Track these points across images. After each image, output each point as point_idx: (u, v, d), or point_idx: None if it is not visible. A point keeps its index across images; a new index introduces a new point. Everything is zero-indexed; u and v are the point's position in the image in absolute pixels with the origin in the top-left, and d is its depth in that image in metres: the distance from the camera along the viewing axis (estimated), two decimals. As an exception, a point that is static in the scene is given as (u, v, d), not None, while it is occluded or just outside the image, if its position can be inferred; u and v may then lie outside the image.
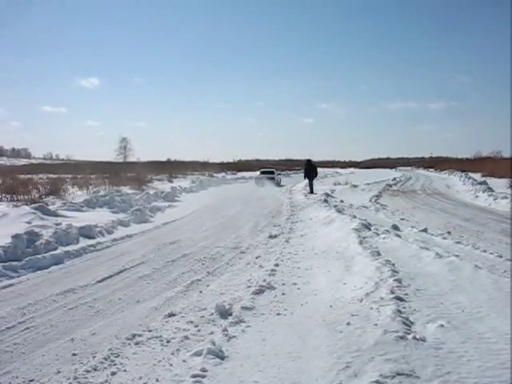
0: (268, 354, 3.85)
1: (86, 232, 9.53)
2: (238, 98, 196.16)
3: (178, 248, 8.69)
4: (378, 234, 8.36)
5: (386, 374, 3.11)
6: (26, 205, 12.55)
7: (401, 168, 75.26)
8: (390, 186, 27.74)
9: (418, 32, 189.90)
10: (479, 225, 11.42)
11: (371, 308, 4.45)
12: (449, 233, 9.69)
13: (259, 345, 4.05)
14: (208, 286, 6.09)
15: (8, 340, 4.33)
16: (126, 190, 20.59)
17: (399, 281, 5.22)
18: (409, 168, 74.26)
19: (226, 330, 4.32)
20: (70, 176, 24.15)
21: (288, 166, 67.95)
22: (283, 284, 5.94)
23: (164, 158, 63.27)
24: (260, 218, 12.91)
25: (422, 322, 4.05)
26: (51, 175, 24.00)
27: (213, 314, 4.90)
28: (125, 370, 3.68)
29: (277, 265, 6.93)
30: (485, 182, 21.92)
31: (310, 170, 21.51)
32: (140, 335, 4.39)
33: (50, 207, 12.21)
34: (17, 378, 3.61)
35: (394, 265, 5.93)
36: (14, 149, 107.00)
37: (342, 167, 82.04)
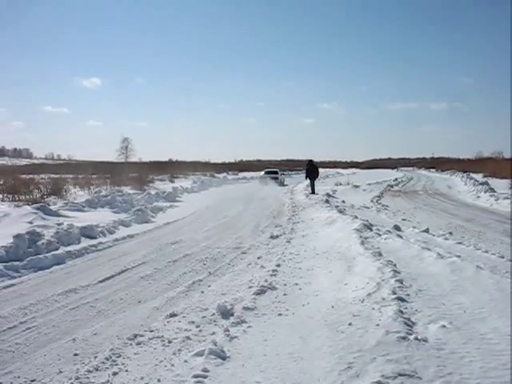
0: (270, 354, 3.85)
1: (88, 232, 9.54)
2: (239, 98, 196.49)
3: (180, 248, 8.69)
4: (379, 235, 8.35)
5: (388, 374, 3.10)
6: (28, 205, 12.57)
7: (402, 168, 75.16)
8: (392, 186, 27.73)
9: (418, 32, 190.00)
10: (481, 225, 11.41)
11: (373, 308, 4.45)
12: (450, 233, 9.68)
13: (261, 345, 4.05)
14: (209, 286, 6.09)
15: (10, 340, 4.33)
16: (127, 190, 20.62)
17: (401, 281, 5.21)
18: (410, 168, 74.17)
19: (228, 331, 4.32)
20: (71, 176, 24.17)
21: (289, 166, 68.00)
22: (285, 284, 5.94)
23: (165, 158, 63.31)
24: (261, 218, 12.91)
25: (423, 323, 4.04)
26: (53, 175, 24.02)
27: (214, 314, 4.90)
28: (126, 370, 3.68)
29: (278, 265, 6.93)
30: (486, 183, 21.88)
31: (311, 170, 21.51)
32: (142, 335, 4.39)
33: (52, 207, 12.23)
34: (18, 377, 3.61)
35: (395, 265, 5.92)
36: (15, 149, 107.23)
37: (343, 168, 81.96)
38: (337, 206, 13.54)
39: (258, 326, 4.51)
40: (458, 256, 6.40)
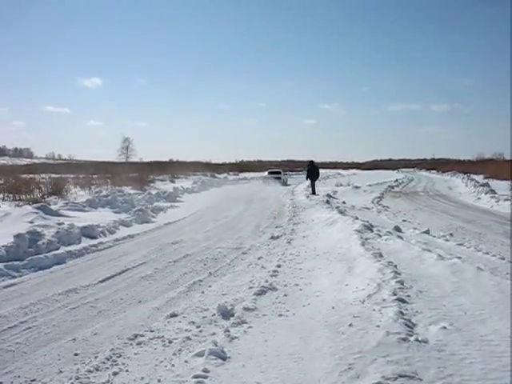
0: (270, 354, 3.84)
1: (88, 232, 9.54)
2: (240, 98, 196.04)
3: (180, 248, 8.70)
4: (380, 236, 8.35)
5: (388, 375, 3.10)
6: (29, 204, 12.59)
7: (403, 170, 75.11)
8: (392, 187, 27.72)
9: (419, 33, 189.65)
10: (481, 227, 11.40)
11: (373, 309, 4.44)
12: (451, 235, 9.67)
13: (261, 346, 4.05)
14: (210, 286, 6.09)
15: (10, 339, 4.34)
16: (128, 190, 20.64)
17: (401, 282, 5.21)
18: (411, 170, 74.14)
19: (228, 331, 4.32)
20: (72, 176, 24.20)
21: (290, 166, 67.89)
22: (285, 285, 5.93)
23: (166, 159, 63.34)
24: (262, 218, 12.91)
25: (424, 324, 4.03)
26: (53, 175, 24.01)
27: (215, 314, 4.90)
28: (127, 371, 3.68)
29: (279, 266, 6.93)
30: (487, 184, 21.88)
31: (312, 171, 21.51)
32: (142, 335, 4.39)
33: (52, 207, 12.24)
34: (19, 377, 3.62)
35: (396, 266, 5.91)
36: (16, 148, 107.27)
37: (344, 168, 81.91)
38: (337, 207, 13.53)
39: (259, 327, 4.51)
40: (459, 257, 6.39)
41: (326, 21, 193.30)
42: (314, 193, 20.48)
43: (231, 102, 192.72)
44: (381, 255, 6.60)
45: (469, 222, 12.36)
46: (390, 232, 8.93)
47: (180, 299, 5.58)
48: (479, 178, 30.32)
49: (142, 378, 3.52)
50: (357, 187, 25.16)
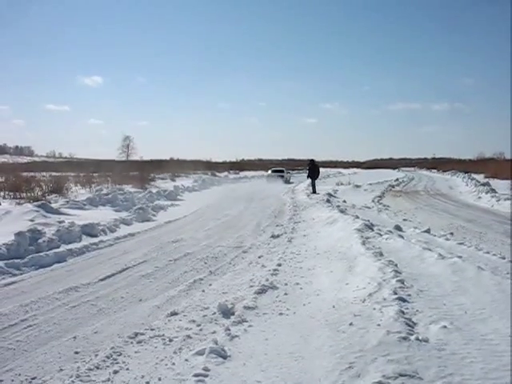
0: (270, 353, 3.85)
1: (89, 230, 9.54)
2: (240, 97, 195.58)
3: (181, 247, 8.70)
4: (380, 235, 8.35)
5: (389, 374, 3.10)
6: (29, 202, 12.60)
7: (403, 169, 75.10)
8: (393, 186, 27.73)
9: (420, 33, 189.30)
10: (482, 226, 11.40)
11: (374, 308, 4.44)
12: (451, 234, 9.67)
13: (262, 344, 4.05)
14: (210, 285, 6.09)
15: (10, 337, 4.34)
16: (128, 188, 20.62)
17: (402, 281, 5.21)
18: (411, 169, 74.10)
19: (229, 330, 4.32)
20: (72, 174, 24.17)
21: (290, 165, 67.84)
22: (286, 284, 5.94)
23: (166, 157, 63.25)
24: (262, 217, 12.91)
25: (424, 323, 4.04)
26: (54, 173, 24.09)
27: (215, 313, 4.91)
28: (127, 369, 3.68)
29: (279, 264, 6.93)
30: (488, 184, 21.87)
31: (313, 169, 21.50)
32: (142, 334, 4.39)
33: (53, 205, 12.24)
34: (19, 375, 3.62)
35: (396, 265, 5.91)
36: (17, 147, 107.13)
37: (344, 167, 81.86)
38: (338, 206, 13.54)
39: (259, 326, 4.51)
40: (459, 257, 6.39)
41: (327, 20, 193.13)
42: (314, 192, 20.48)
43: (232, 101, 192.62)
44: (381, 254, 6.60)
45: (469, 221, 12.36)
46: (390, 231, 8.93)
47: (180, 298, 5.58)
48: (480, 177, 30.31)
49: (143, 377, 3.53)
50: (357, 186, 25.14)
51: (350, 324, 4.18)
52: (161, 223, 11.91)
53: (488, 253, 7.40)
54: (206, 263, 7.38)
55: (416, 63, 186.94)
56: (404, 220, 12.18)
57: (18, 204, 13.18)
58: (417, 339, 3.63)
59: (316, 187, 21.07)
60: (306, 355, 3.76)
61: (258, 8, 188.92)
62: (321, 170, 23.66)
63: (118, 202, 14.52)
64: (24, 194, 16.09)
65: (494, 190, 19.23)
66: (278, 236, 9.62)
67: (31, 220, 9.81)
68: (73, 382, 3.46)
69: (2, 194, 16.39)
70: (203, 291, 5.79)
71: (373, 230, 8.83)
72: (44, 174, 23.88)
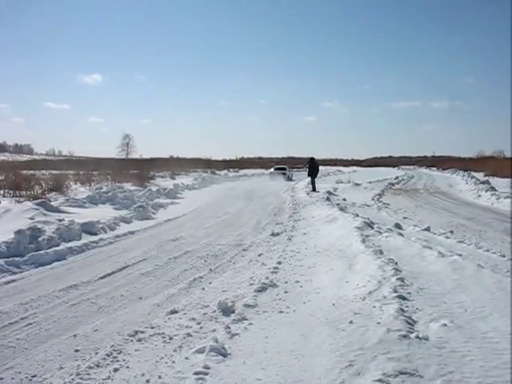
0: (270, 351, 3.85)
1: (89, 228, 9.54)
2: (240, 96, 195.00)
3: (181, 245, 8.70)
4: (380, 233, 8.35)
5: (389, 372, 3.10)
6: (29, 201, 12.58)
7: (403, 167, 75.16)
8: (393, 184, 27.72)
9: (420, 32, 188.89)
10: (482, 224, 11.41)
11: (374, 306, 4.45)
12: (451, 232, 9.67)
13: (262, 342, 4.05)
14: (210, 283, 6.10)
15: (11, 335, 4.34)
16: (128, 186, 20.64)
17: (402, 279, 5.21)
18: (411, 167, 74.15)
19: (229, 328, 4.32)
20: (72, 172, 24.17)
21: (290, 163, 67.77)
22: (286, 282, 5.94)
23: (166, 155, 63.21)
24: (262, 215, 12.91)
25: (424, 321, 4.04)
26: (54, 171, 24.09)
27: (215, 311, 4.91)
28: (127, 367, 3.68)
29: (279, 262, 6.93)
30: (487, 182, 21.88)
31: (312, 167, 21.50)
32: (142, 332, 4.39)
33: (53, 203, 12.25)
34: (19, 373, 3.62)
35: (396, 263, 5.92)
36: (16, 145, 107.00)
37: (344, 165, 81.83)
38: (338, 204, 13.54)
39: (259, 324, 4.51)
40: (459, 255, 6.40)
41: (327, 18, 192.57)
42: (314, 190, 20.49)
43: (232, 99, 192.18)
44: (381, 252, 6.60)
45: (469, 219, 12.36)
46: (390, 229, 8.93)
47: (180, 296, 5.58)
48: (479, 175, 30.31)
49: (143, 375, 3.53)
50: (357, 184, 25.14)
51: (350, 322, 4.18)
52: (160, 221, 11.91)
53: (488, 251, 7.40)
54: (205, 261, 7.38)
55: (416, 61, 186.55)
56: (404, 218, 12.18)
57: (18, 202, 13.18)
58: (417, 337, 3.63)
59: (316, 185, 21.08)
60: (306, 353, 3.76)
61: (258, 6, 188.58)
62: (320, 168, 23.66)
63: (118, 200, 14.53)
64: (24, 192, 16.10)
65: (493, 188, 19.23)
66: (277, 234, 9.62)
67: (31, 218, 9.81)
68: (73, 379, 3.46)
69: (2, 192, 16.39)
70: (203, 289, 5.79)
71: (373, 228, 8.83)
72: (44, 172, 23.85)
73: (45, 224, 9.07)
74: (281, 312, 4.84)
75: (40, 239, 7.92)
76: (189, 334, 4.29)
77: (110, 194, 15.05)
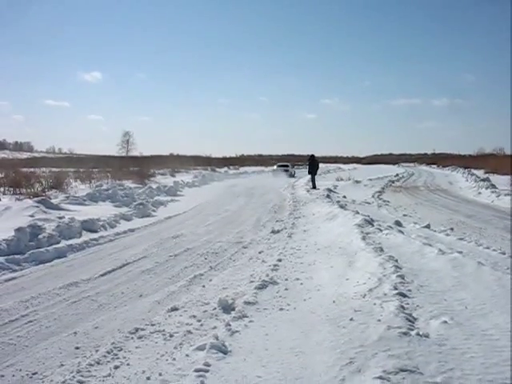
0: (271, 349, 3.85)
1: (89, 226, 9.54)
2: (241, 93, 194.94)
3: (181, 242, 8.70)
4: (380, 230, 8.35)
5: (390, 369, 3.10)
6: (29, 198, 12.59)
7: (403, 164, 74.99)
8: (393, 181, 27.69)
9: (421, 29, 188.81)
10: (482, 221, 11.40)
11: (374, 304, 4.45)
12: (452, 229, 9.67)
13: (262, 340, 4.05)
14: (211, 280, 6.10)
15: (11, 333, 4.34)
16: (128, 184, 20.61)
17: (402, 277, 5.21)
18: (411, 164, 74.02)
19: (229, 325, 4.32)
20: (72, 170, 24.18)
21: (290, 161, 67.77)
22: (286, 279, 5.94)
23: (166, 153, 63.23)
24: (262, 213, 12.91)
25: (425, 318, 4.04)
26: (54, 169, 24.05)
27: (216, 308, 4.91)
28: (128, 364, 3.69)
29: (280, 260, 6.93)
30: (488, 179, 21.85)
31: (312, 165, 21.49)
32: (143, 329, 4.40)
33: (53, 201, 12.23)
34: (20, 370, 3.62)
35: (397, 261, 5.91)
36: (16, 142, 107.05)
37: (344, 163, 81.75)
38: (338, 201, 13.52)
39: (260, 321, 4.51)
40: (460, 252, 6.39)
41: (328, 16, 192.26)
42: (314, 187, 20.48)
43: (232, 97, 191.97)
44: (381, 249, 6.60)
45: (469, 216, 12.35)
46: (390, 226, 8.93)
47: (181, 293, 5.58)
48: (480, 172, 30.31)
49: (144, 372, 3.53)
50: (357, 182, 25.10)
51: (351, 319, 4.18)
52: (161, 219, 11.91)
53: (488, 248, 7.40)
54: (206, 258, 7.39)
55: (417, 59, 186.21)
56: (404, 215, 12.17)
57: (18, 200, 13.17)
58: (417, 334, 3.63)
59: (316, 183, 21.06)
60: (306, 350, 3.77)
61: (259, 4, 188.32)
62: (321, 165, 23.64)
63: (118, 197, 14.52)
64: (24, 190, 16.10)
65: (493, 186, 19.22)
66: (278, 231, 9.62)
67: (31, 216, 9.80)
68: (73, 377, 3.46)
69: (2, 189, 16.40)
70: (203, 286, 5.79)
71: (373, 226, 8.82)
72: (44, 169, 23.83)
73: (45, 221, 9.07)
74: (281, 309, 4.84)
75: (40, 237, 7.92)
76: (189, 332, 4.30)
77: (110, 191, 15.04)
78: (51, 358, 3.84)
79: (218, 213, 12.96)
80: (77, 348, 4.03)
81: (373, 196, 17.52)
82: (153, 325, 4.51)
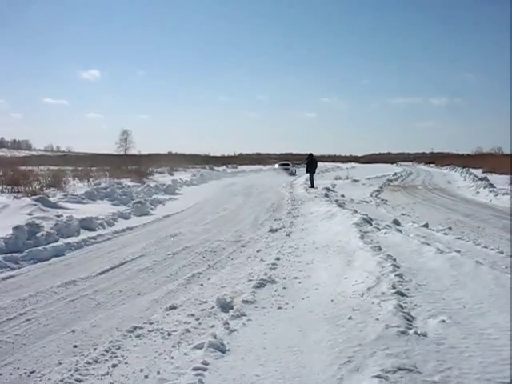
0: (269, 347, 3.85)
1: (87, 224, 9.53)
2: (240, 91, 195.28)
3: (179, 241, 8.69)
4: (379, 229, 8.35)
5: (388, 368, 3.10)
6: (27, 196, 12.55)
7: (402, 163, 74.99)
8: (391, 181, 27.70)
9: (420, 27, 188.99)
10: (480, 221, 11.41)
11: (372, 303, 4.45)
12: (450, 228, 9.67)
13: (260, 338, 4.05)
14: (209, 279, 6.09)
15: (9, 331, 4.34)
16: (126, 182, 20.56)
17: (400, 276, 5.21)
18: (410, 163, 74.00)
19: (227, 324, 4.32)
20: (70, 168, 24.10)
21: (289, 159, 67.81)
22: (284, 278, 5.94)
23: (165, 151, 63.14)
24: (261, 211, 12.91)
25: (423, 317, 4.04)
26: (52, 167, 24.01)
27: (214, 307, 4.91)
28: (126, 363, 3.68)
29: (278, 258, 6.93)
30: (486, 178, 21.87)
31: (311, 164, 21.48)
32: (141, 328, 4.39)
33: (51, 199, 12.19)
34: (18, 369, 3.62)
35: (395, 260, 5.92)
36: (14, 140, 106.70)
37: (342, 162, 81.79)
38: (336, 200, 13.52)
39: (258, 320, 4.51)
40: (458, 251, 6.40)
41: (327, 15, 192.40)
42: (312, 186, 20.48)
43: (231, 95, 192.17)
44: (380, 248, 6.60)
45: (467, 215, 12.37)
46: (388, 225, 8.94)
47: (179, 292, 5.58)
48: (478, 172, 30.30)
49: (142, 370, 3.53)
50: (355, 181, 25.11)
51: (349, 318, 4.19)
52: (159, 217, 11.90)
53: (486, 247, 7.41)
54: (204, 257, 7.38)
55: (416, 58, 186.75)
56: (402, 214, 12.17)
57: (16, 198, 13.11)
58: (415, 333, 3.64)
59: (314, 181, 21.07)
60: (304, 349, 3.77)
61: (258, 2, 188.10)
62: (319, 164, 23.63)
63: (117, 196, 14.49)
64: (22, 188, 16.03)
65: (492, 185, 19.23)
66: (276, 230, 9.62)
67: (29, 214, 9.77)
68: (71, 375, 3.46)
69: (0, 187, 16.34)
70: (202, 285, 5.79)
71: (371, 225, 8.83)
72: (42, 167, 23.79)
73: (43, 220, 9.05)
74: (279, 308, 4.84)
75: (38, 235, 7.91)
76: (187, 330, 4.30)
77: (108, 189, 15.01)
78: (49, 357, 3.83)
79: (217, 211, 12.96)
80: (75, 346, 4.02)
81: (371, 195, 17.53)
82: (151, 323, 4.51)
